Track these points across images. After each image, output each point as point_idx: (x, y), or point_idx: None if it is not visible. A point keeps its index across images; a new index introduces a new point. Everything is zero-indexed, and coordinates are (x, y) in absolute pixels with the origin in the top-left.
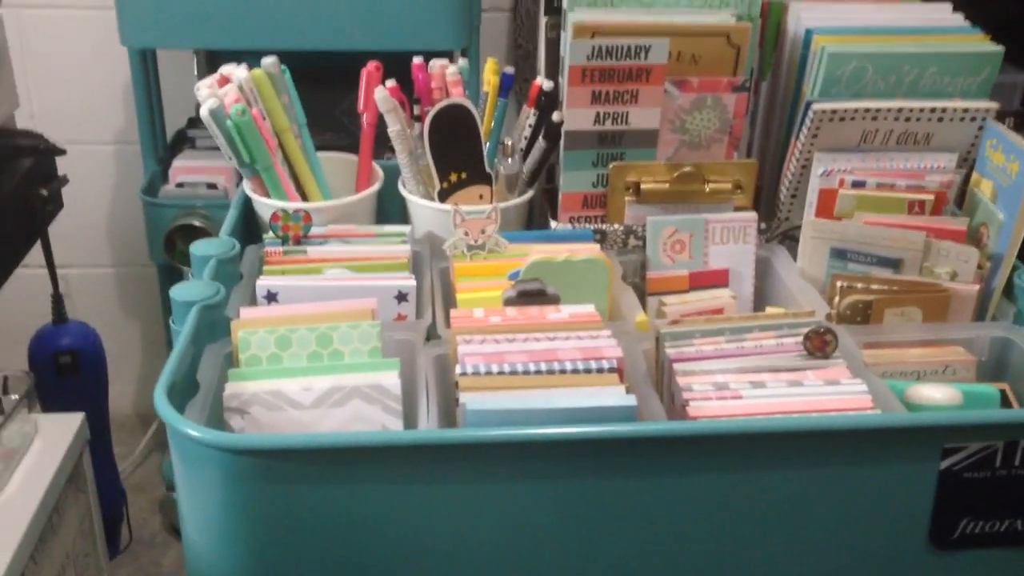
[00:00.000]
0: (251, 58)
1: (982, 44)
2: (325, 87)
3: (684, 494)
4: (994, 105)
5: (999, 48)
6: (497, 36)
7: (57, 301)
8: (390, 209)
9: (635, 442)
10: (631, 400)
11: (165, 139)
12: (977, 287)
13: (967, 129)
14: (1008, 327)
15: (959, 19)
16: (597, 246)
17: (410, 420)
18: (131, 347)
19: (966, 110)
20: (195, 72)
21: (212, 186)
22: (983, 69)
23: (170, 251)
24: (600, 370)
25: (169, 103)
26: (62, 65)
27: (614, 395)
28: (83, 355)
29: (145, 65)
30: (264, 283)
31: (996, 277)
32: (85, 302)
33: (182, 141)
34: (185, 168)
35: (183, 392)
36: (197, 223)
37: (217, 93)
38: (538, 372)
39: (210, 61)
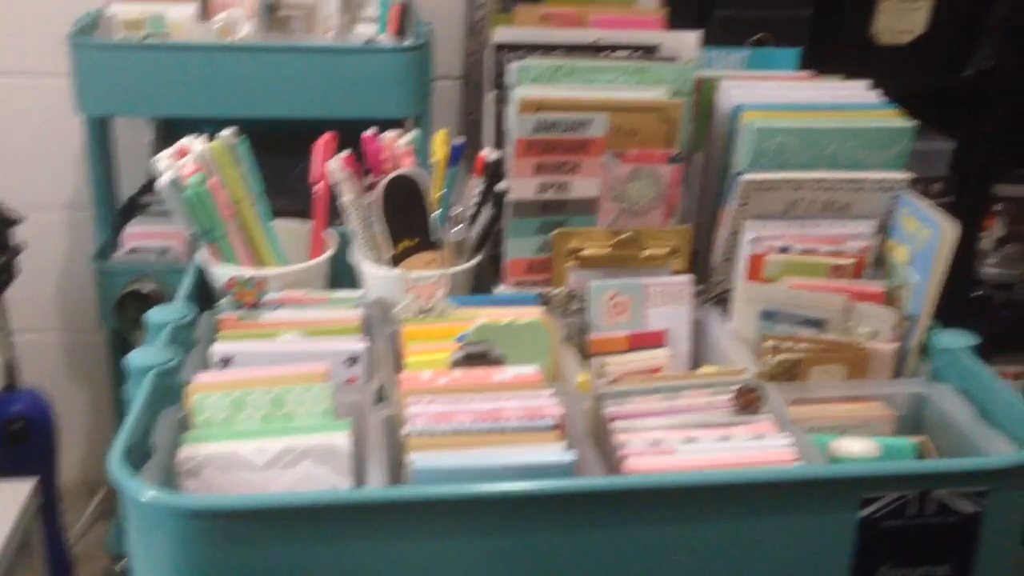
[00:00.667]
0: (206, 125)
1: (896, 120)
2: (279, 153)
3: (621, 545)
4: (907, 176)
5: (911, 123)
6: (449, 104)
7: (9, 368)
8: (343, 274)
9: (573, 496)
10: (570, 456)
11: (117, 205)
12: (895, 346)
13: (883, 198)
14: (924, 383)
15: (875, 96)
16: (541, 309)
17: (360, 480)
18: (78, 414)
19: (882, 181)
20: (149, 139)
21: (164, 251)
22: (897, 142)
23: (121, 317)
24: (542, 428)
25: (122, 169)
26: (15, 131)
27: (554, 452)
28: (34, 422)
29: (99, 132)
30: (219, 348)
31: (913, 336)
32: (31, 368)
33: (135, 207)
34: (138, 234)
35: (137, 458)
36: (148, 289)
37: (176, 165)
38: (482, 431)
39: (165, 127)
